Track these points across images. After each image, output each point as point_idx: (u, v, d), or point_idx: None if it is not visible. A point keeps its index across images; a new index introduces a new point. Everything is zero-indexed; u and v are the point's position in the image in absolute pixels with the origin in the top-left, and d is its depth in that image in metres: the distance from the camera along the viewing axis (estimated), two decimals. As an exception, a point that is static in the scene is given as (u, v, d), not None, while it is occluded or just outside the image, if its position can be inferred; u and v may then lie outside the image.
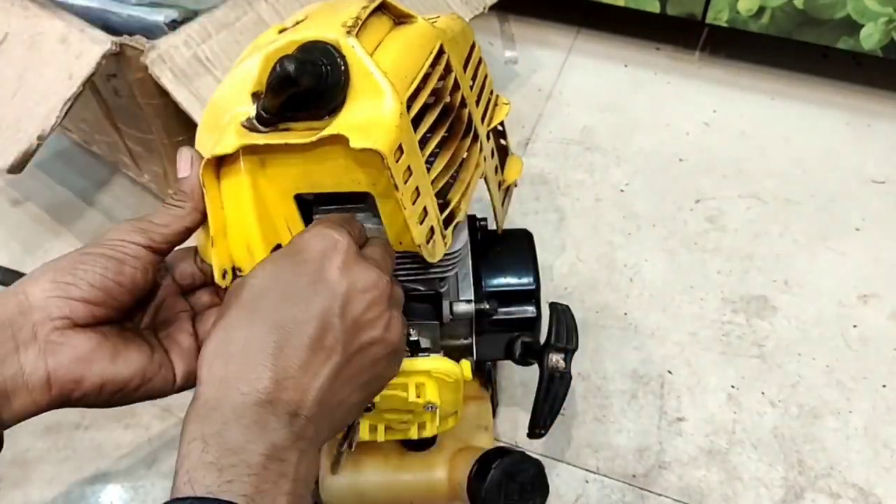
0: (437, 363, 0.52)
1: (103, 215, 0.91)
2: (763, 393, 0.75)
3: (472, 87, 0.54)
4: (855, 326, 0.81)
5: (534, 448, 0.71)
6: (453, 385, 0.52)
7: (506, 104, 0.62)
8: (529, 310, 0.60)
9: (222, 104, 0.45)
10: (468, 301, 0.57)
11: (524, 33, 1.16)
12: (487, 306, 0.57)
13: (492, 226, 0.64)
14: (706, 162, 0.98)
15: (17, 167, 0.67)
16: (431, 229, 0.48)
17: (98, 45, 0.68)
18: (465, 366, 0.54)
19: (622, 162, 0.98)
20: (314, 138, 0.42)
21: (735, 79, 1.09)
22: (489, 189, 0.59)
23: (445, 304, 0.56)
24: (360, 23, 0.44)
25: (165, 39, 0.70)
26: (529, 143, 1.00)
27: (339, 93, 0.43)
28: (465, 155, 0.51)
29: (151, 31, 0.73)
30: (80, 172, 0.96)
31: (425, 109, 0.47)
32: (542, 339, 0.58)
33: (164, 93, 0.69)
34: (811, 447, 0.71)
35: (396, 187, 0.43)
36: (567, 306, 0.58)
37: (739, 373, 0.77)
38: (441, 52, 0.49)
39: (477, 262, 0.60)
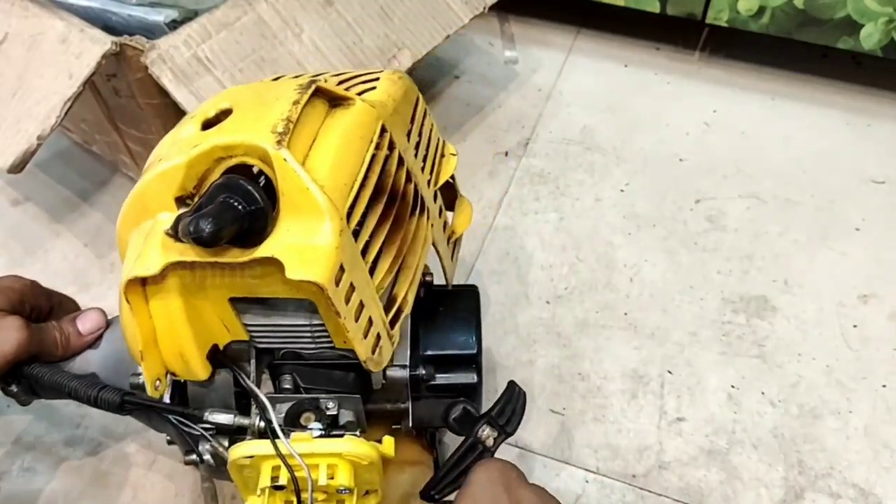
0: (349, 446, 0.48)
1: (103, 215, 0.91)
2: (763, 393, 0.75)
3: (416, 154, 0.51)
4: (855, 326, 0.81)
5: (533, 448, 0.71)
6: (370, 466, 0.49)
7: (453, 155, 0.58)
8: (469, 376, 0.56)
9: (146, 202, 0.43)
10: (402, 366, 0.53)
11: (524, 33, 1.16)
12: (423, 372, 0.54)
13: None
14: (706, 162, 0.98)
15: (17, 167, 0.67)
16: (378, 336, 0.46)
17: (98, 45, 0.68)
18: (388, 442, 0.50)
19: (622, 162, 0.98)
20: (246, 259, 0.40)
21: (735, 79, 1.09)
22: (437, 250, 0.56)
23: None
24: (291, 127, 0.41)
25: (165, 39, 0.70)
26: (529, 143, 1.00)
27: (268, 224, 0.41)
28: (411, 237, 0.49)
29: (151, 31, 0.73)
30: (80, 172, 0.96)
31: (370, 205, 0.44)
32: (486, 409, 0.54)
33: (164, 93, 0.69)
34: (811, 447, 0.71)
35: (338, 313, 0.41)
36: (524, 391, 0.55)
37: (739, 373, 0.77)
38: (383, 131, 0.46)
39: (416, 323, 0.56)
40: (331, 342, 0.47)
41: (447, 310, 0.58)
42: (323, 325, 0.45)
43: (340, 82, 0.51)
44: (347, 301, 0.42)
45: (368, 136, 0.45)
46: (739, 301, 0.83)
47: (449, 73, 1.10)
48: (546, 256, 0.87)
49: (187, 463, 0.52)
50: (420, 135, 0.53)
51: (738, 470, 0.70)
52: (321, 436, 0.48)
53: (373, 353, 0.45)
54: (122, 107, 0.78)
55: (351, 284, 0.42)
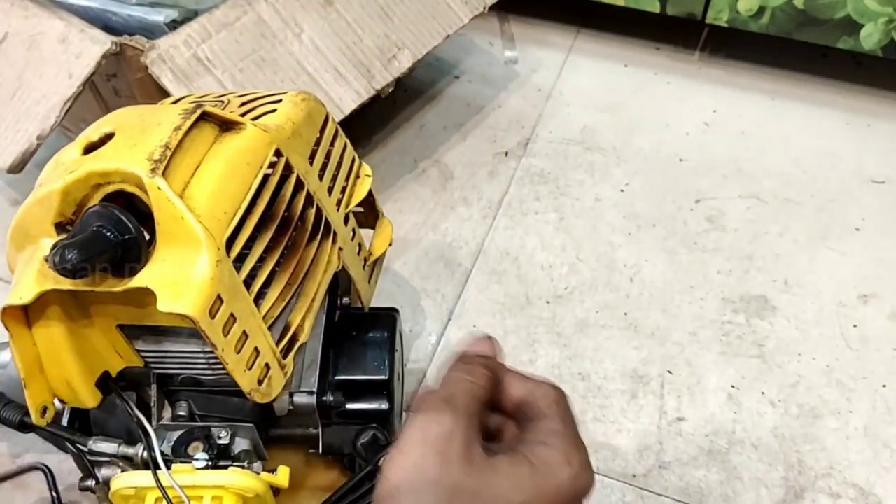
0: (232, 478, 0.46)
1: (103, 215, 0.91)
2: (763, 393, 0.75)
3: (322, 177, 0.50)
4: (855, 326, 0.81)
5: (534, 448, 0.71)
6: (257, 500, 0.47)
7: (368, 176, 0.56)
8: (381, 403, 0.55)
9: (27, 227, 0.42)
10: (310, 392, 0.51)
11: (524, 33, 1.16)
12: (332, 399, 0.53)
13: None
14: (706, 162, 0.98)
15: (17, 167, 0.67)
16: (266, 367, 0.44)
17: (98, 45, 0.68)
18: (283, 472, 0.49)
19: (622, 162, 0.98)
20: (120, 289, 0.40)
21: (735, 79, 1.09)
22: (350, 274, 0.54)
23: (283, 394, 0.50)
24: (168, 154, 0.40)
25: (165, 39, 0.70)
26: (529, 143, 1.00)
27: (142, 253, 0.40)
28: (308, 264, 0.48)
29: (151, 31, 0.73)
30: (80, 172, 0.96)
31: (259, 231, 0.43)
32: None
33: (164, 93, 0.69)
34: (811, 447, 0.71)
35: (214, 345, 0.40)
36: None
37: (739, 373, 0.77)
38: (278, 155, 0.45)
39: (327, 348, 0.55)
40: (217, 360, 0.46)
41: (361, 334, 0.57)
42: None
43: (244, 103, 0.50)
44: (227, 332, 0.41)
45: (258, 162, 0.44)
46: (739, 301, 0.83)
47: (449, 73, 1.10)
48: (546, 256, 0.87)
49: (82, 489, 0.51)
50: (328, 157, 0.52)
51: (738, 470, 0.70)
52: (206, 467, 0.47)
53: (259, 384, 0.44)
54: (122, 107, 0.78)
55: (231, 315, 0.41)
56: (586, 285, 0.84)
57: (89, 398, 0.46)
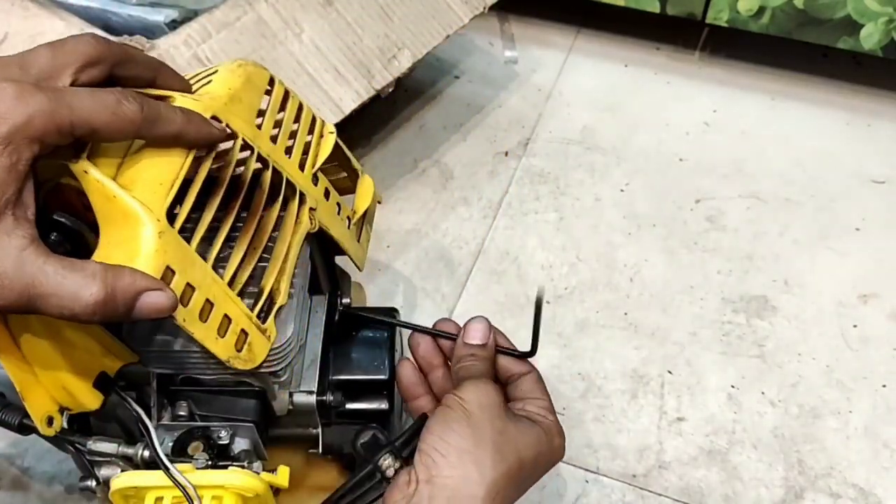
0: (231, 478, 0.46)
1: (103, 215, 0.91)
2: (763, 393, 0.75)
3: (276, 138, 0.49)
4: (855, 326, 0.81)
5: (534, 448, 0.71)
6: (257, 500, 0.47)
7: (331, 133, 0.55)
8: (381, 403, 0.55)
9: None
10: (310, 392, 0.51)
11: (524, 33, 1.16)
12: (332, 398, 0.53)
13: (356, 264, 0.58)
14: (706, 162, 0.98)
15: (17, 167, 0.67)
16: (242, 333, 0.44)
17: (98, 44, 0.67)
18: (283, 472, 0.49)
19: (622, 162, 0.98)
20: None
21: (735, 79, 1.09)
22: (332, 234, 0.54)
23: (283, 394, 0.51)
24: None
25: (165, 39, 0.70)
26: (529, 143, 1.00)
27: (91, 241, 0.39)
28: (271, 226, 0.47)
29: (151, 31, 0.73)
30: (80, 172, 0.96)
31: (205, 199, 0.43)
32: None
33: (163, 93, 0.69)
34: (811, 447, 0.71)
35: (174, 318, 0.39)
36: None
37: (739, 373, 0.77)
38: (216, 122, 0.44)
39: (327, 347, 0.54)
40: (227, 369, 0.45)
41: (361, 334, 0.57)
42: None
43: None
44: (186, 303, 0.40)
45: None
46: (739, 301, 0.83)
47: (449, 73, 1.10)
48: (546, 256, 0.87)
49: (82, 489, 0.51)
50: (283, 115, 0.51)
51: (738, 470, 0.70)
52: (206, 466, 0.47)
53: (238, 350, 0.44)
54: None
55: (188, 285, 0.40)
56: (586, 285, 0.84)
57: (91, 401, 0.46)
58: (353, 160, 0.59)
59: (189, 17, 0.74)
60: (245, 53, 0.73)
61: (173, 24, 0.73)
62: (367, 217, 0.61)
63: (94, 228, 0.40)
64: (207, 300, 0.42)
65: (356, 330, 0.57)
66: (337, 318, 0.57)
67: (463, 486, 0.45)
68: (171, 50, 0.69)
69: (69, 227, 0.40)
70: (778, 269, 0.86)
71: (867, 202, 0.93)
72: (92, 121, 0.37)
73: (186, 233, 0.41)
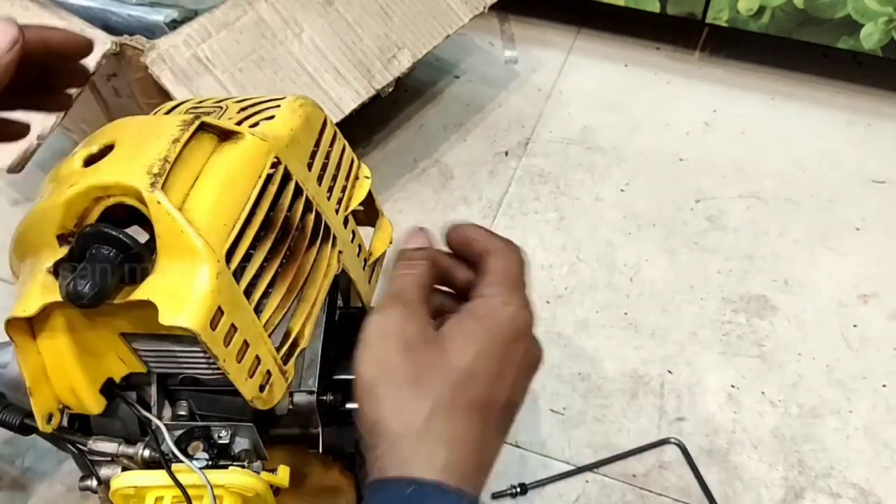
0: (231, 477, 0.46)
1: (103, 215, 0.91)
2: (763, 393, 0.75)
3: (321, 181, 0.50)
4: (855, 326, 0.81)
5: (533, 448, 0.71)
6: (257, 499, 0.47)
7: (367, 178, 0.56)
8: None
9: (30, 237, 0.42)
10: (310, 392, 0.51)
11: (524, 33, 1.16)
12: (332, 398, 0.52)
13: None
14: (706, 162, 0.98)
15: (17, 167, 0.67)
16: (268, 374, 0.45)
17: (98, 44, 0.67)
18: (283, 472, 0.49)
19: (622, 162, 0.98)
20: (123, 301, 0.40)
21: (735, 79, 1.09)
22: (350, 275, 0.54)
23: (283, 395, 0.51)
24: (167, 168, 0.40)
25: (165, 39, 0.70)
26: (529, 143, 1.00)
27: (144, 267, 0.40)
28: (308, 270, 0.48)
29: (151, 31, 0.73)
30: (80, 172, 0.96)
31: (259, 241, 0.43)
32: None
33: (164, 93, 0.69)
34: (811, 447, 0.71)
35: (215, 356, 0.40)
36: None
37: (739, 373, 0.77)
38: (277, 164, 0.45)
39: (327, 348, 0.54)
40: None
41: (361, 334, 0.57)
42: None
43: (243, 109, 0.50)
44: (228, 343, 0.41)
45: (257, 172, 0.44)
46: (739, 301, 0.83)
47: (449, 73, 1.10)
48: (546, 256, 0.87)
49: (82, 489, 0.51)
50: (327, 160, 0.52)
51: (738, 470, 0.70)
52: (207, 466, 0.47)
53: (261, 390, 0.44)
54: (122, 107, 0.78)
55: (232, 326, 0.41)
56: (586, 285, 0.84)
57: (94, 405, 0.47)
58: (378, 201, 0.60)
59: (189, 17, 0.74)
60: (245, 53, 0.73)
61: (173, 24, 0.73)
62: (380, 259, 0.61)
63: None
64: (245, 341, 0.42)
65: (356, 330, 0.57)
66: (336, 318, 0.57)
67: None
68: (171, 50, 0.69)
69: (128, 245, 0.40)
70: (778, 269, 0.86)
71: (867, 202, 0.93)
72: None
73: (237, 272, 0.42)
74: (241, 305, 0.42)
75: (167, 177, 0.40)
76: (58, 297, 0.40)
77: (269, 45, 0.74)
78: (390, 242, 0.61)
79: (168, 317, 0.39)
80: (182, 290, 0.39)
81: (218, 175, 0.43)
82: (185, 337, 0.44)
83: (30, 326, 0.42)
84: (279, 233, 0.45)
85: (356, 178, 0.56)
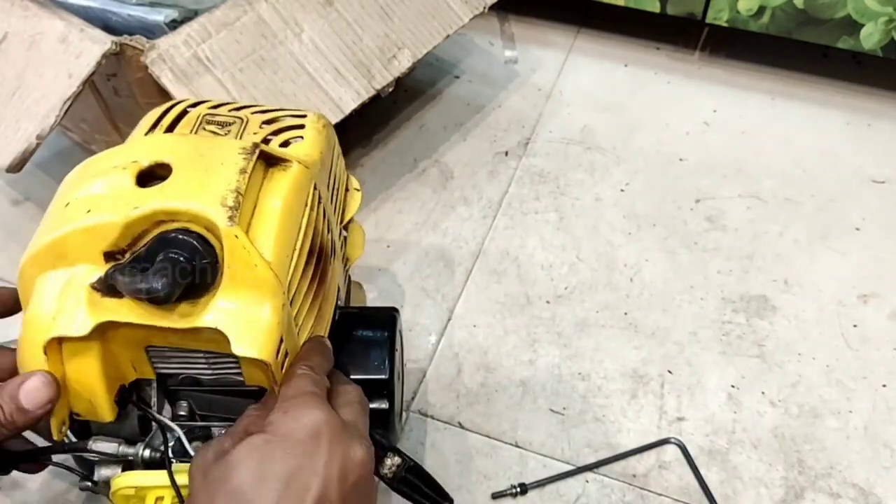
0: None
1: (103, 215, 0.91)
2: (763, 393, 0.75)
3: (332, 199, 0.51)
4: (855, 326, 0.81)
5: (533, 448, 0.71)
6: None
7: (357, 190, 0.58)
8: (380, 403, 0.54)
9: (65, 250, 0.42)
10: None
11: (524, 33, 1.16)
12: None
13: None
14: (706, 162, 0.98)
15: (17, 166, 0.67)
16: None
17: (98, 44, 0.68)
18: None
19: (622, 162, 0.98)
20: (187, 326, 0.40)
21: (735, 79, 1.09)
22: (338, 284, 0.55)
23: None
24: (241, 201, 0.41)
25: (165, 39, 0.70)
26: (529, 143, 1.00)
27: (210, 282, 0.41)
28: (326, 288, 0.48)
29: (151, 31, 0.73)
30: (80, 172, 0.96)
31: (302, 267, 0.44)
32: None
33: (164, 93, 0.69)
34: (811, 447, 0.71)
35: (276, 382, 0.41)
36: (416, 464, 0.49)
37: (739, 372, 0.77)
38: (314, 189, 0.46)
39: None
40: (228, 369, 0.46)
41: (361, 334, 0.57)
42: (216, 353, 0.44)
43: (265, 122, 0.50)
44: (282, 367, 0.43)
45: (304, 200, 0.45)
46: (739, 301, 0.83)
47: (449, 73, 1.10)
48: (546, 256, 0.87)
49: (82, 489, 0.51)
50: (336, 178, 0.53)
51: (738, 470, 0.70)
52: None
53: None
54: (122, 106, 0.78)
55: (286, 352, 0.43)
56: (586, 285, 0.84)
57: (108, 413, 0.47)
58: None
59: (189, 17, 0.74)
60: (245, 53, 0.73)
61: (173, 24, 0.73)
62: (348, 263, 0.62)
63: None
64: (286, 352, 0.44)
65: (356, 330, 0.58)
66: (336, 317, 0.57)
67: None
68: (171, 50, 0.69)
69: (202, 254, 0.40)
70: (778, 268, 0.86)
71: (867, 202, 0.93)
72: None
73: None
74: (292, 332, 0.43)
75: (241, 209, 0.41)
76: (110, 317, 0.40)
77: (269, 45, 0.74)
78: (362, 248, 0.63)
79: (241, 348, 0.40)
80: (251, 320, 0.40)
81: (275, 205, 0.43)
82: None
83: (59, 342, 0.42)
84: (317, 258, 0.46)
85: (346, 189, 0.57)
